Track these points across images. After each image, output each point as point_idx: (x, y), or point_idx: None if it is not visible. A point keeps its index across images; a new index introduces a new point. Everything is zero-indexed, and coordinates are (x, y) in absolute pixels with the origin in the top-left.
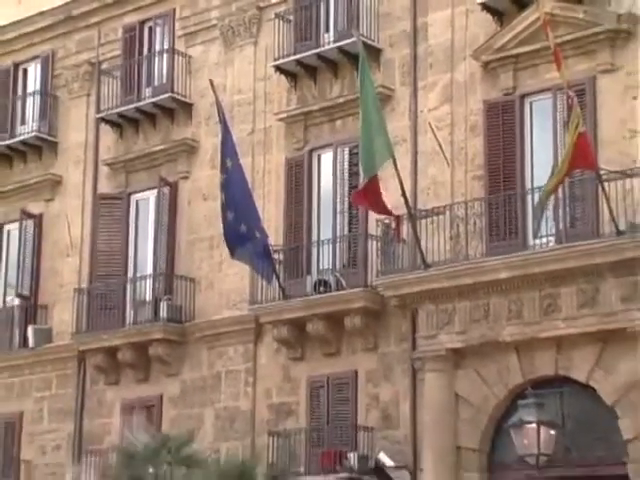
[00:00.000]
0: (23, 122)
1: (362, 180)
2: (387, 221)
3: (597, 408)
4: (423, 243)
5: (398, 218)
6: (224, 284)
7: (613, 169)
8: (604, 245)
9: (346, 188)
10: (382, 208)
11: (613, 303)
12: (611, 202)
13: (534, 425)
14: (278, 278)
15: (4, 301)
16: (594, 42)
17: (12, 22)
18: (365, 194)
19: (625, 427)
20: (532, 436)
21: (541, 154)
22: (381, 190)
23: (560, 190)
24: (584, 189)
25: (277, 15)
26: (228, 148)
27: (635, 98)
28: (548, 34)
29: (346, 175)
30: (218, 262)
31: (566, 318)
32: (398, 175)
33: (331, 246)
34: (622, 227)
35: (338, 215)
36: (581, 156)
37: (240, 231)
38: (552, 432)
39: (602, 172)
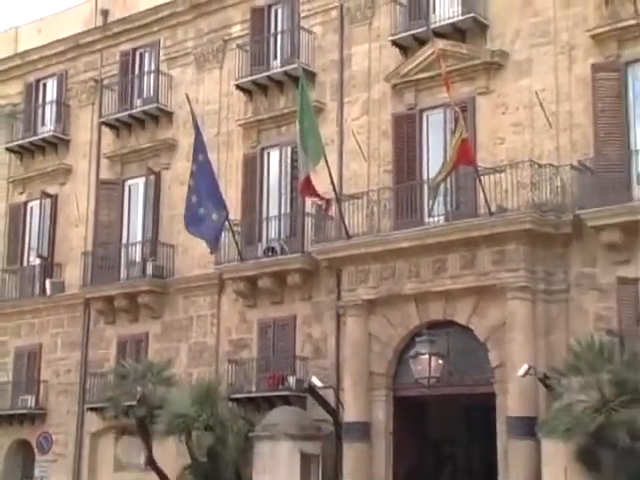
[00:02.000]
0: (43, 124)
1: (301, 174)
2: (320, 203)
3: (473, 344)
4: (346, 219)
5: (328, 201)
6: (196, 250)
7: (487, 166)
8: (480, 223)
9: (289, 178)
10: (316, 195)
11: (486, 266)
12: (485, 190)
13: (427, 356)
14: (237, 244)
15: (28, 260)
16: (474, 71)
17: (34, 47)
18: (306, 186)
19: (493, 357)
20: (425, 364)
21: (434, 154)
22: (313, 183)
23: (448, 181)
24: (466, 180)
25: (238, 46)
26: (199, 146)
27: (504, 114)
28: (441, 64)
29: (289, 168)
30: None
31: (452, 277)
32: (328, 168)
33: (277, 221)
34: (493, 209)
35: (282, 197)
36: (464, 156)
37: (198, 213)
38: (440, 361)
39: (479, 168)
